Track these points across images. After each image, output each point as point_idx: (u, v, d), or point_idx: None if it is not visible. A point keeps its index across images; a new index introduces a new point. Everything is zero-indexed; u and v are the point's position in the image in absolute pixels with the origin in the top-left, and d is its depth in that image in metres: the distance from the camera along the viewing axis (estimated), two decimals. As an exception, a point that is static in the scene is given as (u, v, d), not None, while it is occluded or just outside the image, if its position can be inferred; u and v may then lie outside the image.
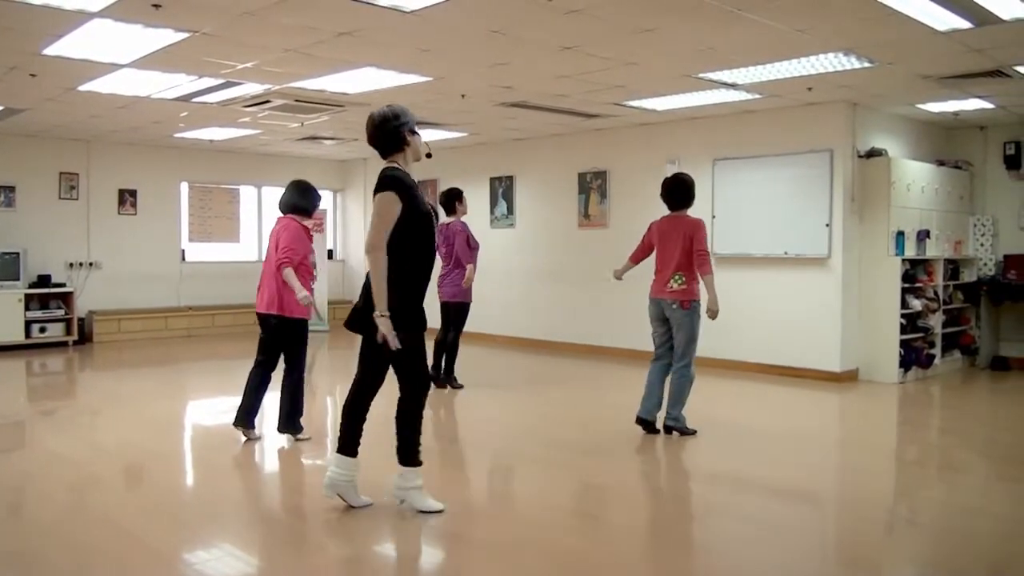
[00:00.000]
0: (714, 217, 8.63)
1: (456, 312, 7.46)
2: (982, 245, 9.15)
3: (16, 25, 5.38)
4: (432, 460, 5.38)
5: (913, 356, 8.13)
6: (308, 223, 5.50)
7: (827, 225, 7.96)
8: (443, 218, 7.26)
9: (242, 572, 3.48)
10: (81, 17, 5.19)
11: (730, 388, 7.77)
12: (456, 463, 5.43)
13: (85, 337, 10.87)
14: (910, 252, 8.21)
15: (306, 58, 6.23)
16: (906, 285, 8.06)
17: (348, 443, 3.97)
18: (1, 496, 4.44)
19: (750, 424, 6.25)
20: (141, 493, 4.67)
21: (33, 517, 4.12)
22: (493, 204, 11.28)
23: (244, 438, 5.50)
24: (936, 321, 8.45)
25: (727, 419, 6.21)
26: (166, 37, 5.64)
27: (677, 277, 5.54)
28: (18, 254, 10.19)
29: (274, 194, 13.06)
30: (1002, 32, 5.33)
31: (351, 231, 13.76)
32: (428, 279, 3.92)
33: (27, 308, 10.21)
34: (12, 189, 10.51)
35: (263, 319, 5.36)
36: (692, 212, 5.77)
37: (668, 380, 5.69)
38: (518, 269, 10.96)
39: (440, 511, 3.94)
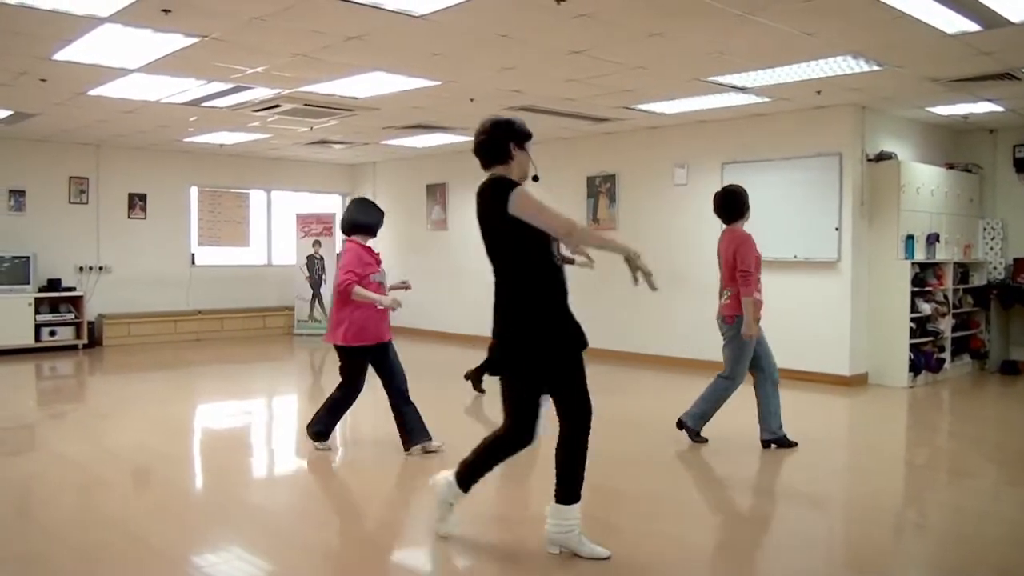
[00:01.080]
0: (722, 221, 8.62)
1: None
2: (992, 248, 9.11)
3: (26, 30, 5.42)
4: (448, 462, 5.40)
5: (923, 360, 8.09)
6: (372, 242, 5.40)
7: (836, 229, 7.94)
8: None
9: (249, 575, 3.49)
10: (91, 22, 5.22)
11: (739, 391, 7.72)
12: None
13: (95, 341, 10.91)
14: (920, 256, 8.18)
15: (315, 62, 6.25)
16: (916, 289, 8.03)
17: (567, 490, 3.62)
18: (10, 498, 4.46)
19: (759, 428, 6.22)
20: (149, 496, 4.68)
21: (41, 520, 4.13)
22: (501, 208, 11.26)
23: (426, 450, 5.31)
24: (946, 325, 8.41)
25: (736, 423, 6.18)
26: (176, 42, 5.67)
27: (725, 293, 5.46)
28: (28, 258, 10.24)
29: (283, 198, 13.15)
30: (1011, 35, 5.31)
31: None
32: (561, 289, 3.62)
33: (37, 312, 10.26)
34: (22, 193, 10.57)
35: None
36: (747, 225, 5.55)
37: (712, 385, 5.63)
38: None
39: (606, 558, 3.49)
